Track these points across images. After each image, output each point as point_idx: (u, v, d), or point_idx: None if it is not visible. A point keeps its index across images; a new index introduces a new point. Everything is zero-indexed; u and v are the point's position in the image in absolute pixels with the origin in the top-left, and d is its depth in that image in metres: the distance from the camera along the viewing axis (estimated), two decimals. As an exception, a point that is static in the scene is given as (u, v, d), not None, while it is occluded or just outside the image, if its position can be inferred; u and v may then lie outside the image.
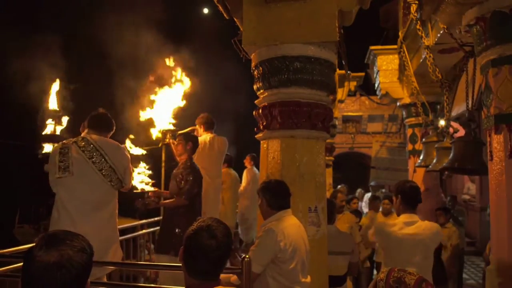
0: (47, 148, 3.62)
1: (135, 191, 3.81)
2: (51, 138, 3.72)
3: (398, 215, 3.09)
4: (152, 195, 3.99)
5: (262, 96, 2.91)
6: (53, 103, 3.95)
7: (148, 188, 4.00)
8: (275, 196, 2.57)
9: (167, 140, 4.58)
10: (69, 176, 2.87)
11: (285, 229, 2.45)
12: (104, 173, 2.91)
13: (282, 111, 2.75)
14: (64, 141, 3.05)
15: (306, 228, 2.66)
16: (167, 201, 4.03)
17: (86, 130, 3.15)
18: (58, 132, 3.82)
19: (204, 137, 4.73)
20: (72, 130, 3.75)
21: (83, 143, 2.95)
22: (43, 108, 3.91)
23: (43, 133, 3.81)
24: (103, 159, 2.92)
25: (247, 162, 7.04)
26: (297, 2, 2.74)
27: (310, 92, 2.77)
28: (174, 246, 3.70)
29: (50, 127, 3.80)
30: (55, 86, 3.99)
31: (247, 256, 2.23)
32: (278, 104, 2.77)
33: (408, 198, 3.01)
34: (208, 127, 4.83)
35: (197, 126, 4.91)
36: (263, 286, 2.44)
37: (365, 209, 8.72)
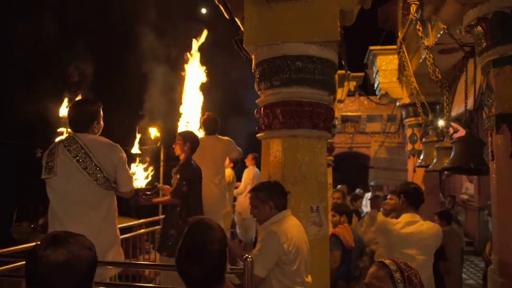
0: None
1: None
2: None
3: (400, 214, 3.10)
4: (150, 193, 3.80)
5: (263, 96, 2.90)
6: (64, 111, 3.89)
7: (141, 184, 3.81)
8: (280, 196, 2.51)
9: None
10: (53, 176, 2.74)
11: (287, 231, 2.41)
12: (89, 172, 2.75)
13: (284, 111, 2.74)
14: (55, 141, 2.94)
15: (307, 228, 2.65)
16: (160, 199, 3.99)
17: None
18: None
19: (216, 138, 4.75)
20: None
21: (68, 142, 2.81)
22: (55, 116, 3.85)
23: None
24: (87, 157, 2.76)
25: (248, 161, 6.98)
26: (298, 1, 2.73)
27: (312, 91, 2.76)
28: (168, 247, 3.68)
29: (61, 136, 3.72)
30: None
31: (249, 256, 2.21)
32: (279, 104, 2.76)
33: (411, 199, 3.03)
34: (213, 128, 4.81)
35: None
36: None
37: (365, 209, 8.73)
